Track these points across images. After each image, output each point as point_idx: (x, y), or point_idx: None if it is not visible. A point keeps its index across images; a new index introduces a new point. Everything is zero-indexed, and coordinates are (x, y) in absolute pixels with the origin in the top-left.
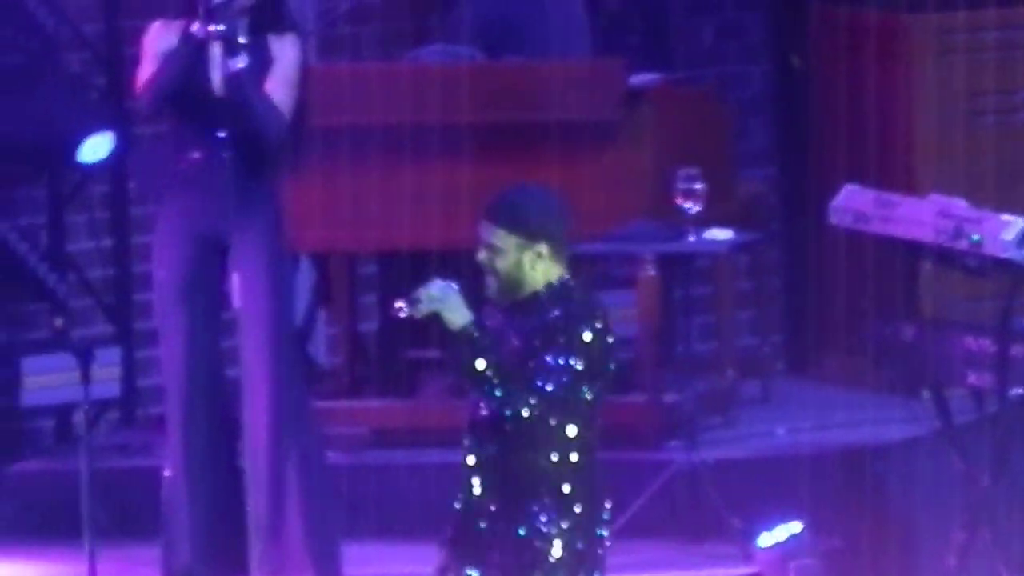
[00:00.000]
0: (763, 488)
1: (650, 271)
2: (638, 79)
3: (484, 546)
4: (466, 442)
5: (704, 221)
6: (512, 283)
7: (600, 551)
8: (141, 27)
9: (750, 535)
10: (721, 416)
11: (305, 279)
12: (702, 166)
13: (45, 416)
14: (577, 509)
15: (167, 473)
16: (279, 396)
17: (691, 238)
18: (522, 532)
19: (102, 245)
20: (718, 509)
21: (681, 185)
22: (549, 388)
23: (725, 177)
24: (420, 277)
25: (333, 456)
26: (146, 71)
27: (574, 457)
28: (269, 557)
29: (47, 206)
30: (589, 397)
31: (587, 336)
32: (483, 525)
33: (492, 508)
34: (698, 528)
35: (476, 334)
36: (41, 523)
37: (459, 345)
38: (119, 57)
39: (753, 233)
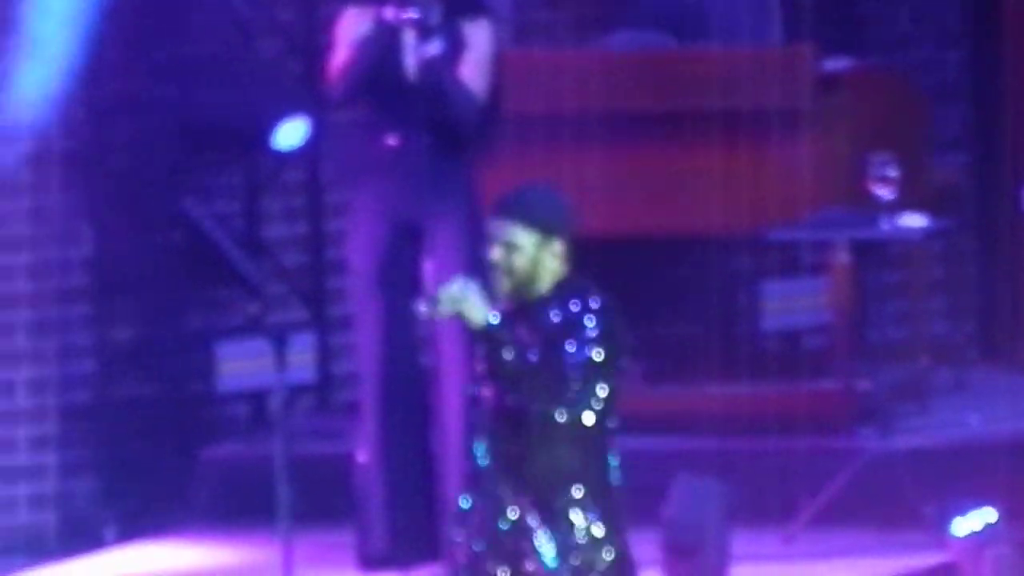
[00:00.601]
0: (957, 476)
1: (843, 257)
2: (831, 64)
3: (511, 545)
4: (483, 442)
5: (898, 207)
6: (527, 281)
7: (617, 531)
8: (335, 13)
9: (944, 523)
10: (914, 404)
11: None
12: (896, 152)
13: (240, 401)
14: (601, 498)
15: (361, 459)
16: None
17: (884, 225)
18: (555, 529)
19: (297, 231)
20: (911, 497)
21: (875, 171)
22: (575, 384)
23: (919, 163)
24: (610, 264)
25: None
26: (339, 57)
27: (594, 449)
28: None
29: (243, 192)
30: (606, 392)
31: (606, 331)
32: (509, 524)
33: (518, 507)
34: (891, 516)
35: (498, 331)
36: (236, 508)
37: (481, 343)
38: (314, 43)
39: (947, 220)
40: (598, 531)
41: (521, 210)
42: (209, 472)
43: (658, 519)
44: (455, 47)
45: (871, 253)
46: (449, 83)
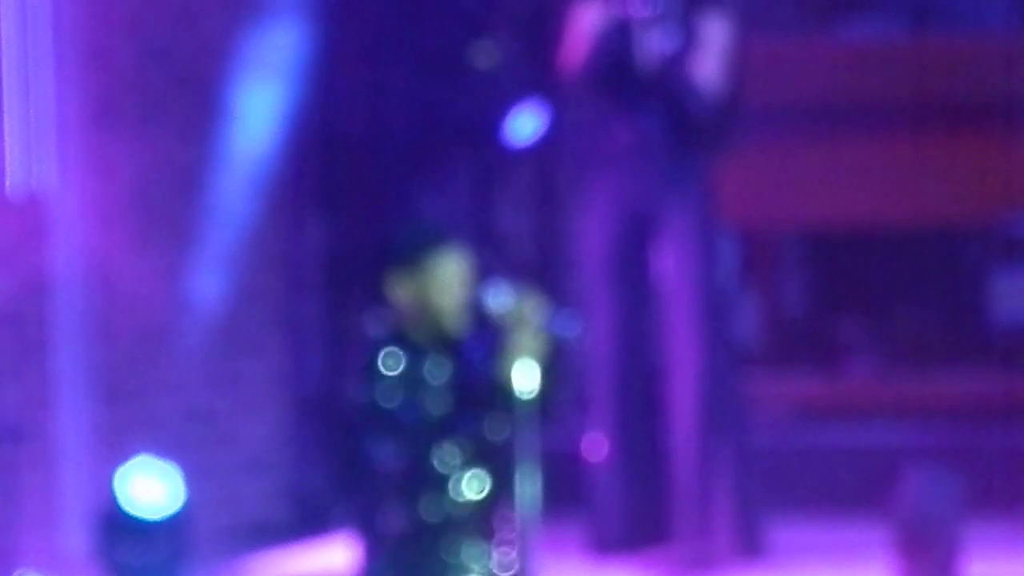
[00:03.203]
0: None
1: None
2: None
3: None
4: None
5: None
6: None
7: None
8: (569, 6)
9: None
10: None
11: (731, 256)
12: None
13: None
14: None
15: (592, 455)
16: (709, 375)
17: None
18: None
19: (529, 226)
20: None
21: None
22: None
23: None
24: (847, 257)
25: (757, 434)
26: (573, 52)
27: None
28: (694, 531)
29: (475, 186)
30: None
31: None
32: None
33: None
34: None
35: None
36: None
37: None
38: (547, 37)
39: None
40: None
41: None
42: None
43: (889, 511)
44: (691, 41)
45: None
46: (684, 80)
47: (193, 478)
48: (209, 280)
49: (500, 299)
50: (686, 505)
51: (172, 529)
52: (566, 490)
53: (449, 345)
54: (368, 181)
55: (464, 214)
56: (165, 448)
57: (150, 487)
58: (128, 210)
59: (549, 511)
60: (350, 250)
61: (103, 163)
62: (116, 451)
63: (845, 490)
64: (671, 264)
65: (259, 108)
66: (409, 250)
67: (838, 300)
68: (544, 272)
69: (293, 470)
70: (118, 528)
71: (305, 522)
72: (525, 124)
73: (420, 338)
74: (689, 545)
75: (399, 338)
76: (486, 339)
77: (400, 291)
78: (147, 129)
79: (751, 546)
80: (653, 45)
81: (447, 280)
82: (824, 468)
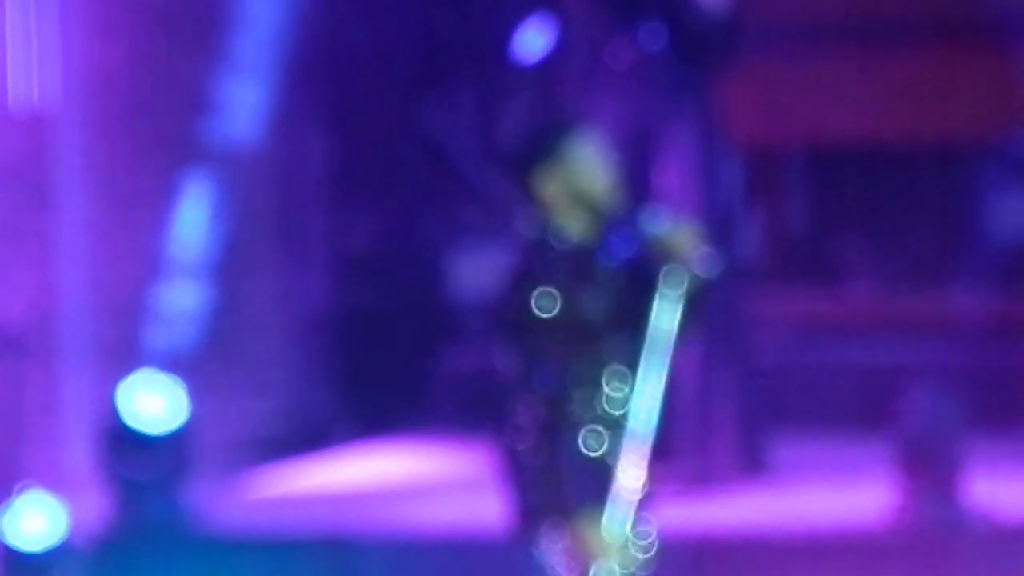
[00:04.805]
0: None
1: None
2: None
3: None
4: None
5: None
6: None
7: None
8: None
9: None
10: None
11: (734, 174)
12: None
13: (474, 314)
14: None
15: None
16: (712, 292)
17: None
18: None
19: None
20: None
21: None
22: None
23: None
24: (849, 175)
25: (758, 352)
26: None
27: None
28: (696, 448)
29: (479, 103)
30: None
31: None
32: None
33: None
34: None
35: None
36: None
37: None
38: None
39: None
40: None
41: None
42: (447, 381)
43: (892, 428)
44: None
45: None
46: None
47: (196, 394)
48: (211, 197)
49: (656, 223)
50: (688, 422)
51: (175, 444)
52: None
53: (601, 246)
54: (373, 100)
55: (468, 131)
56: (168, 364)
57: (153, 402)
58: (130, 126)
59: None
60: (354, 169)
61: (105, 78)
62: (119, 366)
63: (847, 407)
64: (674, 181)
65: (265, 25)
66: (549, 143)
67: (840, 218)
68: None
69: (295, 387)
70: (121, 442)
71: (307, 439)
72: (530, 41)
73: (574, 228)
74: (691, 462)
75: (552, 236)
76: (634, 247)
77: (549, 186)
78: (150, 45)
79: (753, 463)
80: None
81: (590, 162)
82: (825, 385)
